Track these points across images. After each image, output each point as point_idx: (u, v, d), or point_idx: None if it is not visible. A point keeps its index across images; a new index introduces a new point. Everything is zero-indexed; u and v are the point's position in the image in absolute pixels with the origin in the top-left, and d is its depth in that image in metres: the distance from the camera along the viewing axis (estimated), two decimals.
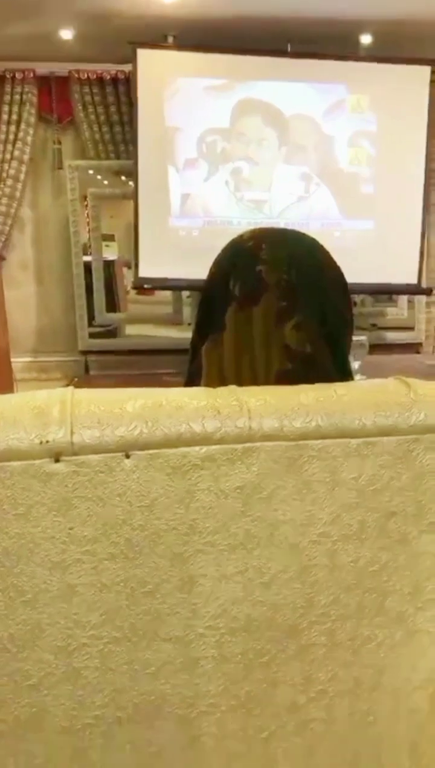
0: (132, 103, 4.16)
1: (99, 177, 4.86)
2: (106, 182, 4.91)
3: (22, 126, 4.45)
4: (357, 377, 0.92)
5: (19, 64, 4.35)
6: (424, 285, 4.48)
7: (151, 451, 0.62)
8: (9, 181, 4.50)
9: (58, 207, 4.70)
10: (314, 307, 0.84)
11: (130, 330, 5.19)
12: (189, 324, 4.85)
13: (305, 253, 0.88)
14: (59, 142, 4.59)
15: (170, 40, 4.11)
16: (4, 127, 4.44)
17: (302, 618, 0.69)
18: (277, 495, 0.65)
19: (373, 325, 4.99)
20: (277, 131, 4.23)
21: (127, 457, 0.62)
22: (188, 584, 0.66)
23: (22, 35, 3.90)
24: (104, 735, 0.68)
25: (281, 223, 4.03)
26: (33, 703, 0.66)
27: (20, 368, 4.78)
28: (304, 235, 0.91)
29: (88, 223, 4.77)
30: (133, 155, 4.18)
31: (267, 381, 0.83)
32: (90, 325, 4.79)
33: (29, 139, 4.48)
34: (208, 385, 0.85)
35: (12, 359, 4.72)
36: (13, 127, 4.45)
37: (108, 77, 4.46)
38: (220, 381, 0.85)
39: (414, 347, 5.04)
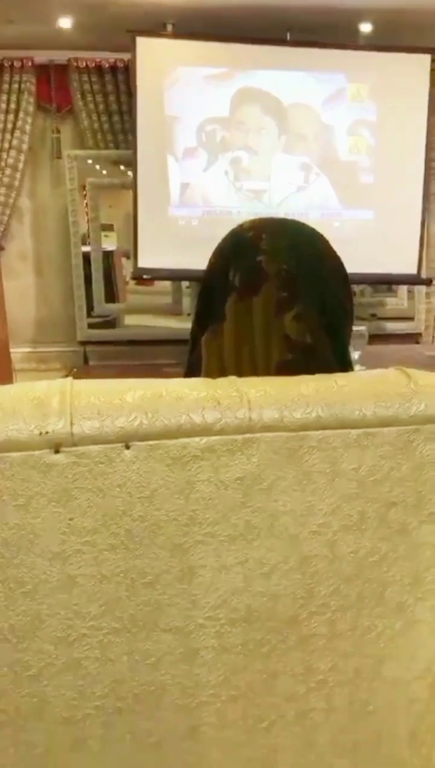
0: (131, 92, 4.14)
1: (98, 167, 4.84)
2: (105, 172, 4.90)
3: (21, 115, 4.43)
4: (356, 368, 0.91)
5: (17, 52, 4.32)
6: (423, 275, 4.47)
7: (151, 442, 0.62)
8: (8, 171, 4.48)
9: (56, 197, 4.68)
10: (314, 297, 0.84)
11: (130, 320, 5.19)
12: (188, 314, 4.84)
13: (305, 243, 0.87)
14: (58, 131, 4.57)
15: (169, 28, 4.09)
16: (2, 116, 4.42)
17: (302, 609, 0.69)
18: (277, 486, 0.65)
19: (373, 315, 4.99)
20: (276, 120, 4.21)
21: (127, 448, 0.62)
22: (188, 575, 0.66)
23: (21, 23, 3.88)
24: (104, 725, 0.68)
25: (281, 213, 4.02)
26: (33, 693, 0.66)
27: (19, 358, 4.78)
28: (304, 225, 0.90)
29: (87, 213, 4.76)
30: (132, 145, 4.16)
31: (267, 372, 0.83)
32: (89, 315, 4.78)
33: (28, 128, 4.46)
34: (207, 375, 0.85)
35: (11, 349, 4.72)
36: (11, 116, 4.43)
37: (107, 66, 4.44)
38: (220, 372, 0.85)
39: (413, 337, 5.04)
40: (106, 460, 0.62)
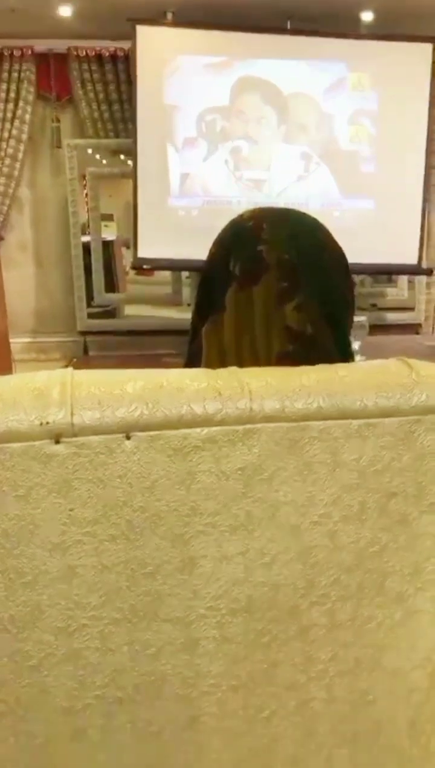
0: (131, 81, 4.12)
1: (98, 156, 4.83)
2: (104, 161, 4.88)
3: (21, 104, 4.41)
4: (357, 358, 0.91)
5: (17, 41, 4.30)
6: (424, 265, 4.46)
7: (151, 433, 0.62)
8: (7, 161, 4.46)
9: (56, 186, 4.66)
10: (315, 287, 0.84)
11: (129, 310, 5.18)
12: (188, 304, 4.84)
13: (306, 233, 0.87)
14: (58, 120, 4.55)
15: (169, 16, 4.06)
16: (1, 106, 4.40)
17: (303, 599, 0.69)
18: (278, 476, 0.65)
19: (373, 305, 4.98)
20: (276, 109, 4.19)
21: (128, 438, 0.62)
22: (189, 565, 0.66)
23: (22, 11, 3.85)
24: (105, 715, 0.69)
25: (281, 203, 4.01)
26: (33, 683, 0.66)
27: (19, 349, 4.78)
28: (305, 214, 0.90)
29: (86, 203, 4.75)
30: (132, 134, 4.14)
31: (268, 362, 0.83)
32: (89, 305, 4.78)
33: (27, 117, 4.44)
34: (208, 366, 0.85)
35: (11, 340, 4.71)
36: (11, 105, 4.41)
37: (107, 54, 4.42)
38: (221, 362, 0.85)
39: (413, 328, 5.03)
40: (106, 450, 0.62)
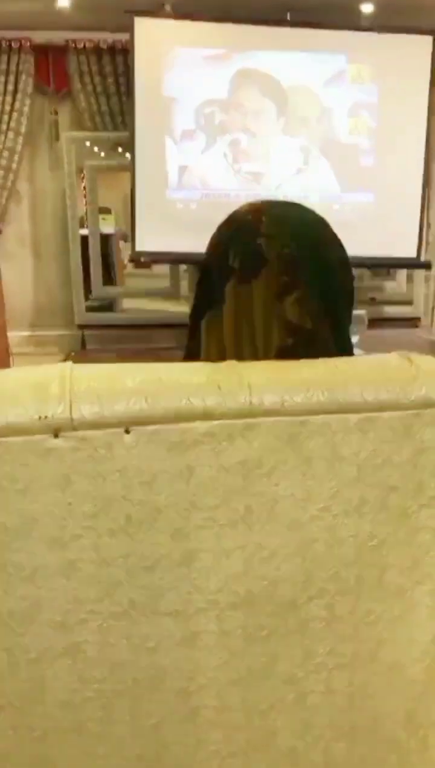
0: (129, 74, 4.11)
1: (96, 149, 4.81)
2: (102, 154, 4.87)
3: (19, 96, 4.40)
4: (356, 352, 0.91)
5: (15, 33, 4.28)
6: (423, 259, 4.46)
7: (151, 427, 0.62)
8: (5, 153, 4.45)
9: (55, 180, 4.66)
10: (315, 281, 0.83)
11: (127, 304, 5.17)
12: (186, 298, 4.83)
13: (306, 227, 0.87)
14: (56, 113, 4.54)
15: (168, 8, 4.05)
16: (0, 98, 4.39)
17: (302, 593, 0.69)
18: (277, 470, 0.65)
19: (372, 299, 4.98)
20: (275, 102, 4.18)
21: (127, 432, 0.62)
22: (188, 559, 0.66)
23: (20, 1, 3.83)
24: (104, 708, 0.69)
25: (280, 196, 3.98)
26: (32, 677, 0.67)
27: (17, 342, 4.77)
28: (305, 208, 0.89)
29: (84, 196, 4.74)
30: (129, 126, 4.13)
31: (267, 356, 0.83)
32: (87, 298, 4.77)
33: (26, 110, 4.43)
34: (207, 359, 0.85)
35: (9, 333, 4.71)
36: (9, 98, 4.40)
37: (105, 47, 4.41)
38: (220, 356, 0.85)
39: (412, 321, 5.04)
40: (105, 445, 0.61)
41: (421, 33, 4.13)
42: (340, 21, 4.08)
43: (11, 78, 4.39)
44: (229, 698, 0.71)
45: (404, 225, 4.33)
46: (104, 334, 4.83)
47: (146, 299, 5.20)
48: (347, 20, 4.11)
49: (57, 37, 4.39)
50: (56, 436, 0.61)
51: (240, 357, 0.81)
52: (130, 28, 3.94)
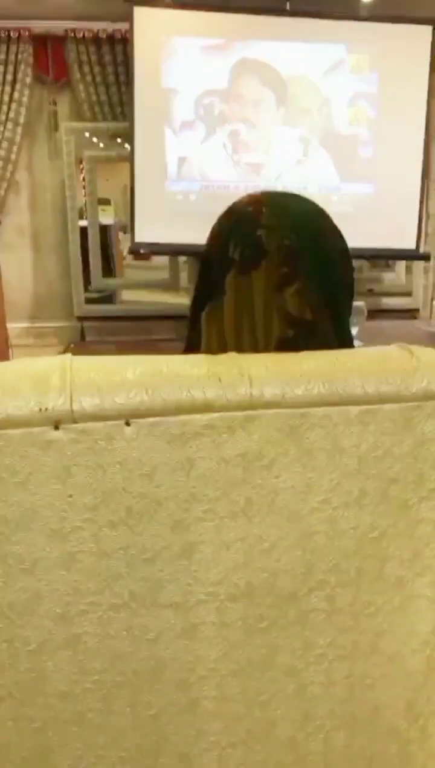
0: (129, 63, 4.10)
1: (95, 139, 4.80)
2: (102, 145, 4.85)
3: (18, 86, 4.38)
4: (355, 343, 0.91)
5: (14, 22, 4.26)
6: (422, 250, 4.46)
7: (151, 419, 0.62)
8: (4, 144, 4.44)
9: (54, 170, 4.64)
10: (315, 273, 0.83)
11: (126, 295, 5.17)
12: (185, 289, 4.83)
13: (306, 218, 0.86)
14: (55, 104, 4.52)
15: None
16: None
17: (302, 584, 0.69)
18: (278, 462, 0.65)
19: (370, 290, 4.98)
20: (275, 92, 4.17)
21: (128, 424, 0.61)
22: (188, 551, 0.66)
23: None
24: (104, 699, 0.69)
25: (279, 187, 3.99)
26: (32, 668, 0.67)
27: (16, 334, 4.77)
28: (305, 199, 0.89)
29: (84, 187, 4.72)
30: (129, 117, 4.12)
31: (267, 348, 0.82)
32: (86, 290, 4.76)
33: (25, 100, 4.41)
34: (208, 351, 0.84)
35: (8, 325, 4.70)
36: (8, 88, 4.38)
37: (104, 36, 4.38)
38: (220, 347, 0.85)
39: (411, 313, 5.03)
40: (106, 437, 0.61)
41: (420, 23, 4.11)
42: (340, 10, 4.06)
43: (10, 68, 4.37)
44: (229, 689, 0.71)
45: (403, 216, 4.33)
46: (104, 326, 4.83)
47: (145, 291, 5.19)
48: (347, 10, 4.09)
49: (56, 26, 4.36)
50: (56, 428, 0.61)
51: (240, 348, 0.81)
52: (129, 18, 3.92)
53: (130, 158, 4.15)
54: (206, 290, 0.87)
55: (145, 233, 4.21)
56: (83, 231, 4.67)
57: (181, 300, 4.72)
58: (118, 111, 4.49)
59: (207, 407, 0.63)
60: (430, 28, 4.12)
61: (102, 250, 4.84)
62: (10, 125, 4.40)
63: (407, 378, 0.67)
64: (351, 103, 4.23)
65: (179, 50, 4.05)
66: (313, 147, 4.25)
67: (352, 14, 4.14)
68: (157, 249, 4.50)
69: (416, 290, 5.00)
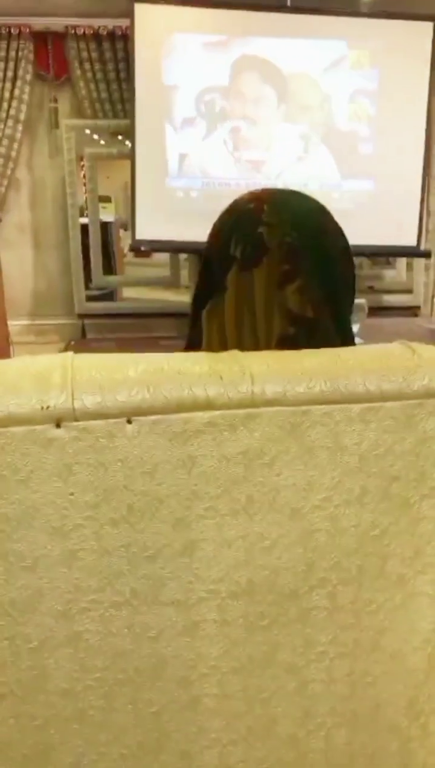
0: (129, 60, 4.09)
1: (96, 136, 4.79)
2: (102, 142, 4.84)
3: (18, 84, 4.37)
4: (356, 341, 0.91)
5: (15, 19, 4.25)
6: (423, 247, 4.45)
7: (153, 417, 0.62)
8: (5, 141, 4.43)
9: (54, 168, 4.63)
10: (316, 270, 0.83)
11: (127, 293, 5.16)
12: (186, 287, 4.82)
13: (308, 215, 0.86)
14: (56, 101, 4.51)
15: None
16: None
17: (303, 582, 0.69)
18: (279, 460, 0.65)
19: (370, 287, 4.97)
20: (275, 89, 4.16)
21: (129, 422, 0.61)
22: (190, 549, 0.66)
23: None
24: (105, 696, 0.69)
25: (280, 184, 3.98)
26: (34, 666, 0.67)
27: (17, 331, 4.77)
28: (306, 196, 0.89)
29: (84, 185, 4.72)
30: (129, 114, 4.11)
31: (268, 345, 0.82)
32: (87, 287, 4.76)
33: (25, 97, 4.40)
34: (209, 349, 0.85)
35: (9, 322, 4.70)
36: (8, 85, 4.37)
37: (105, 33, 4.37)
38: (221, 345, 0.85)
39: (411, 310, 5.02)
40: (107, 435, 0.61)
41: (421, 19, 4.10)
42: (340, 7, 4.05)
43: (11, 65, 4.35)
44: (230, 687, 0.71)
45: (404, 213, 4.32)
46: (104, 323, 4.82)
47: (146, 288, 5.19)
48: (348, 6, 4.08)
49: (56, 23, 4.35)
50: (58, 426, 0.61)
51: (241, 346, 0.81)
52: (130, 14, 3.91)
53: (130, 155, 4.14)
54: (207, 288, 0.87)
55: (146, 230, 4.20)
56: (84, 228, 4.66)
57: (182, 297, 4.71)
58: (118, 108, 4.47)
59: (208, 405, 0.63)
60: (431, 24, 4.11)
61: (103, 248, 4.83)
62: (10, 122, 4.39)
63: (409, 375, 0.67)
64: (351, 99, 4.22)
65: (180, 47, 4.04)
66: (313, 144, 4.24)
67: (353, 10, 4.13)
68: (157, 246, 4.49)
69: (417, 287, 4.99)
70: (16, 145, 4.46)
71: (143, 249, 4.54)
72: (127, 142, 4.35)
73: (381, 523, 0.69)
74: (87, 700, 0.69)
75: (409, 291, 5.04)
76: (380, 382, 0.66)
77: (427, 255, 4.58)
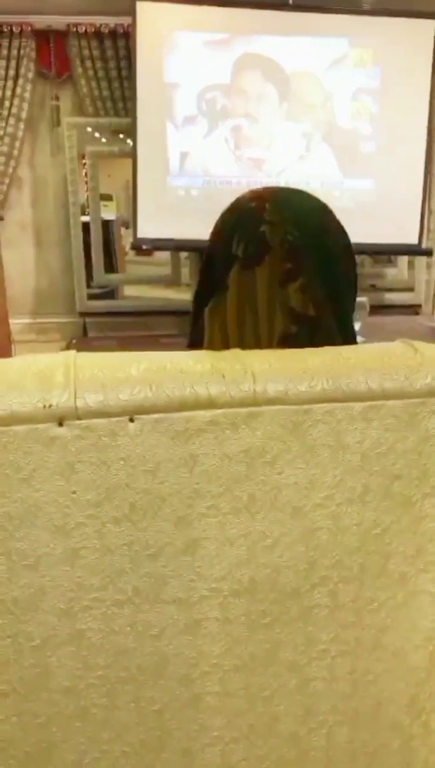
0: (131, 58, 4.09)
1: (97, 134, 4.79)
2: (104, 140, 4.84)
3: (20, 82, 4.37)
4: (358, 339, 0.91)
5: (16, 17, 4.25)
6: (424, 246, 4.45)
7: (155, 416, 0.62)
8: (6, 139, 4.43)
9: (56, 166, 4.64)
10: (318, 268, 0.83)
11: (129, 291, 5.17)
12: (187, 285, 4.83)
13: (310, 214, 0.86)
14: (57, 99, 4.51)
15: None
16: (1, 83, 4.36)
17: (305, 580, 0.69)
18: (281, 459, 0.65)
19: (372, 285, 4.97)
20: (277, 87, 4.16)
21: (132, 421, 0.62)
22: (192, 547, 0.66)
23: None
24: (107, 694, 0.69)
25: (281, 182, 3.98)
26: (36, 664, 0.67)
27: (18, 330, 4.77)
28: (309, 195, 0.89)
29: (86, 183, 4.72)
30: (131, 112, 4.11)
31: (270, 344, 0.82)
32: (88, 286, 4.76)
33: (27, 95, 4.40)
34: (210, 348, 0.85)
35: (10, 320, 4.70)
36: (10, 83, 4.37)
37: (106, 31, 4.37)
38: (223, 343, 0.85)
39: (413, 308, 5.03)
40: (110, 433, 0.61)
41: (424, 17, 4.09)
42: (342, 5, 4.05)
43: (12, 63, 4.36)
44: (232, 685, 0.71)
45: (406, 211, 4.32)
46: (106, 322, 4.82)
47: (147, 286, 5.19)
48: (350, 4, 4.08)
49: (58, 21, 4.35)
50: (60, 424, 0.61)
51: (243, 344, 0.81)
52: (132, 12, 3.91)
53: (132, 153, 4.15)
54: (209, 286, 0.87)
55: (147, 229, 4.20)
56: (85, 226, 4.66)
57: (183, 295, 4.72)
58: (120, 106, 4.47)
59: (210, 403, 0.63)
60: (433, 22, 4.10)
61: (104, 246, 4.83)
62: (12, 121, 4.39)
63: (411, 374, 0.67)
64: (353, 97, 4.22)
65: (181, 45, 4.04)
66: (315, 142, 4.24)
67: (355, 8, 4.13)
68: (159, 244, 4.49)
69: (418, 286, 4.99)
70: (17, 144, 4.47)
71: (144, 247, 4.55)
72: (129, 141, 4.35)
73: (383, 521, 0.69)
74: (89, 698, 0.69)
75: (411, 289, 5.04)
76: (382, 380, 0.66)
77: (428, 253, 4.58)
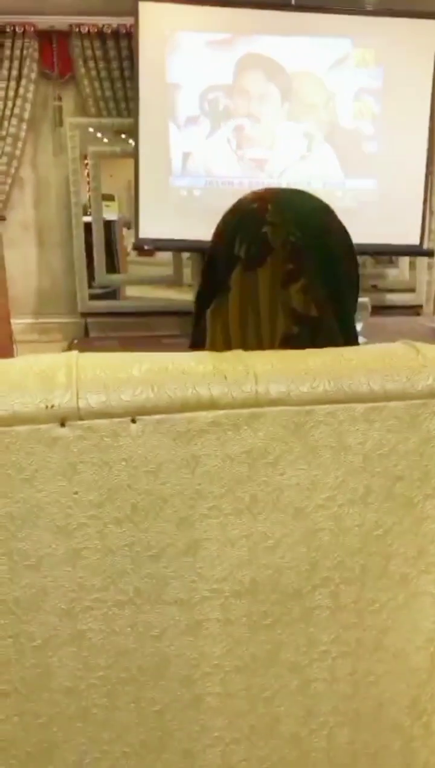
0: (134, 59, 4.09)
1: (99, 135, 4.79)
2: (106, 140, 4.84)
3: (23, 82, 4.37)
4: (359, 340, 0.91)
5: (19, 17, 4.25)
6: (426, 246, 4.44)
7: (157, 416, 0.62)
8: (9, 140, 4.43)
9: (58, 166, 4.64)
10: (320, 269, 0.83)
11: (130, 291, 5.17)
12: (189, 285, 4.83)
13: (312, 215, 0.86)
14: (60, 99, 4.51)
15: None
16: (4, 84, 4.36)
17: (306, 581, 0.69)
18: (283, 460, 0.65)
19: (373, 286, 4.97)
20: (279, 87, 4.16)
21: (134, 421, 0.62)
22: (193, 548, 0.66)
23: None
24: (108, 695, 0.69)
25: (283, 183, 3.98)
26: (38, 664, 0.67)
27: (20, 330, 4.77)
28: (311, 195, 0.89)
29: (88, 183, 4.72)
30: (133, 112, 4.11)
31: (272, 345, 0.83)
32: (90, 286, 4.76)
33: (30, 96, 4.40)
34: (212, 349, 0.85)
35: (12, 321, 4.70)
36: (13, 83, 4.37)
37: (109, 31, 4.37)
38: (225, 344, 0.85)
39: (414, 309, 5.02)
40: (112, 434, 0.61)
41: (426, 17, 4.09)
42: (345, 5, 4.05)
43: (15, 63, 4.36)
44: (233, 686, 0.71)
45: (407, 212, 4.31)
46: (107, 322, 4.82)
47: (149, 287, 5.19)
48: (352, 4, 4.08)
49: (61, 21, 4.36)
50: (63, 425, 0.61)
51: (245, 345, 0.81)
52: (134, 12, 3.91)
53: (134, 154, 4.14)
54: (211, 287, 0.87)
55: (149, 229, 4.20)
56: (87, 227, 4.66)
57: (185, 296, 4.72)
58: (122, 107, 4.48)
59: (212, 404, 0.63)
60: None
61: (106, 246, 4.83)
62: (14, 121, 4.40)
63: (413, 375, 0.67)
64: (356, 97, 4.21)
65: (184, 45, 4.04)
66: (317, 142, 4.24)
67: (358, 9, 4.13)
68: (160, 245, 4.49)
69: (420, 286, 4.99)
70: (20, 144, 4.47)
71: (146, 247, 4.55)
72: (131, 141, 4.35)
73: (385, 522, 0.69)
74: (90, 699, 0.69)
75: (412, 290, 5.04)
76: (384, 381, 0.66)
77: (429, 254, 4.58)
